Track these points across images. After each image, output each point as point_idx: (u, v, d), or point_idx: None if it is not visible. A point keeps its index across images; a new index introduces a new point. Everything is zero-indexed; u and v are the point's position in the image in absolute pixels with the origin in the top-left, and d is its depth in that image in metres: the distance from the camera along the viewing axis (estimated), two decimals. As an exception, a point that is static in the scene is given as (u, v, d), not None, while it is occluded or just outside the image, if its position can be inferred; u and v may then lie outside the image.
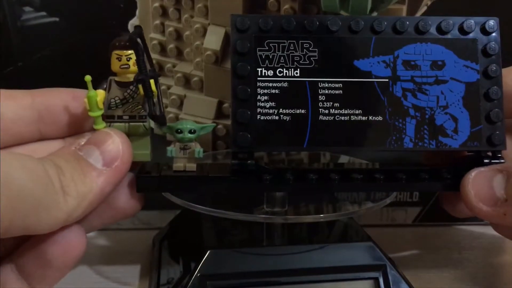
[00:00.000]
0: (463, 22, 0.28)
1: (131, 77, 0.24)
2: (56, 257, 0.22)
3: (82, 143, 0.23)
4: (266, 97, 0.27)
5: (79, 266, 0.35)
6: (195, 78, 0.38)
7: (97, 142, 0.23)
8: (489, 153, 0.28)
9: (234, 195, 0.31)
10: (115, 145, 0.23)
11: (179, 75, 0.38)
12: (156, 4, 0.37)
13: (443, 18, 0.28)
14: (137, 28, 0.24)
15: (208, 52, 0.37)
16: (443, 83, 0.28)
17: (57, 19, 0.36)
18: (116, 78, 0.25)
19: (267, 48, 0.27)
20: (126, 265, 0.36)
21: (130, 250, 0.38)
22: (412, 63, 0.28)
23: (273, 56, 0.27)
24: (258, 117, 0.27)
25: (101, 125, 0.24)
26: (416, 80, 0.27)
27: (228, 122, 0.37)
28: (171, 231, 0.36)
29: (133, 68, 0.24)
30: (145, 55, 0.24)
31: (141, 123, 0.25)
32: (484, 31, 0.28)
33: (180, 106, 0.39)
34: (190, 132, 0.26)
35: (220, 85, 0.38)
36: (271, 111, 0.27)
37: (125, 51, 0.24)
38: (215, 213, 0.28)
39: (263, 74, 0.27)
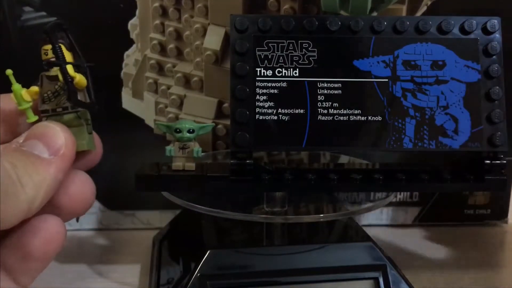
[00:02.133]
0: (464, 22, 0.28)
1: (57, 69, 0.24)
2: (36, 248, 0.22)
3: (21, 140, 0.23)
4: (265, 97, 0.27)
5: (79, 265, 0.35)
6: (195, 78, 0.38)
7: (37, 135, 0.23)
8: (490, 154, 0.28)
9: (233, 195, 0.31)
10: (56, 133, 0.23)
11: (179, 75, 0.38)
12: (156, 4, 0.37)
13: (444, 17, 0.27)
14: (56, 21, 0.24)
15: (208, 52, 0.37)
16: (443, 83, 0.27)
17: (56, 19, 0.36)
18: (46, 73, 0.25)
19: (266, 48, 0.27)
20: (126, 265, 0.36)
21: (130, 250, 0.38)
22: (412, 63, 0.27)
23: (272, 56, 0.27)
24: (257, 116, 0.26)
25: (33, 118, 0.24)
26: (416, 80, 0.27)
27: (228, 122, 0.37)
28: (171, 231, 0.36)
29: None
30: (62, 47, 0.24)
31: (75, 114, 0.25)
32: (486, 31, 0.28)
33: (180, 106, 0.39)
34: (189, 131, 0.26)
35: (220, 85, 0.38)
36: (270, 111, 0.27)
37: (46, 45, 0.24)
38: (215, 213, 0.28)
39: (262, 74, 0.27)
